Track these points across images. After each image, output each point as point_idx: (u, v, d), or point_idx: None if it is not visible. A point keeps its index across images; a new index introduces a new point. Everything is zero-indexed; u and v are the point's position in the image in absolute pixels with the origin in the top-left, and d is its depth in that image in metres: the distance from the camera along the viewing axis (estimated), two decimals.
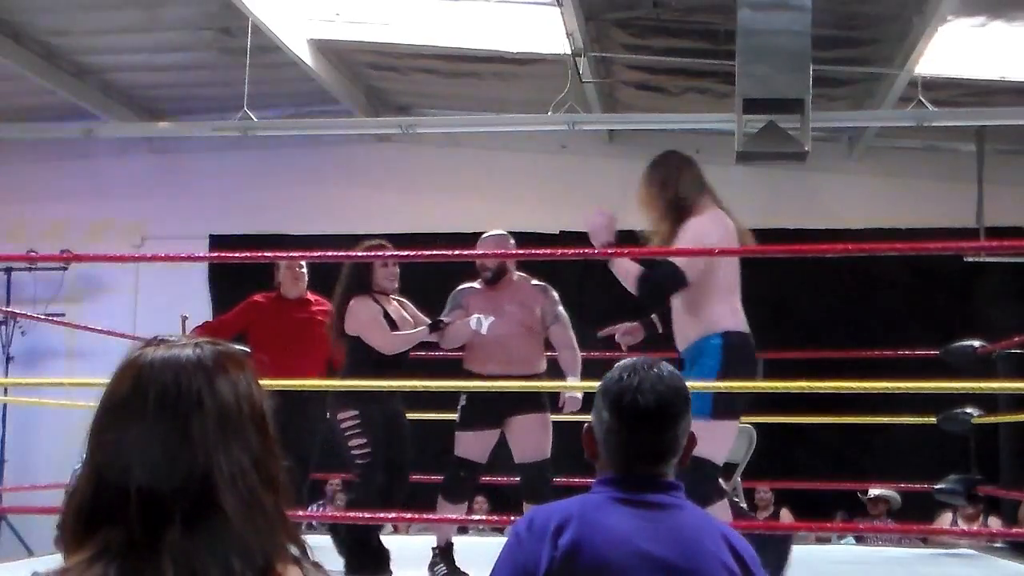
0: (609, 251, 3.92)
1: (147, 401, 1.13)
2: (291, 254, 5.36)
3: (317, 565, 1.19)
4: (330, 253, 5.17)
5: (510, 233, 4.84)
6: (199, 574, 1.08)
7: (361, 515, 4.46)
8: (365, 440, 4.59)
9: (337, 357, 5.57)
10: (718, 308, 3.78)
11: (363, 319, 4.71)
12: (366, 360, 4.68)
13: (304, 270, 5.63)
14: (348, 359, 4.80)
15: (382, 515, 4.50)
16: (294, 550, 1.16)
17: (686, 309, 3.82)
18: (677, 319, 3.87)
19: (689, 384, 2.06)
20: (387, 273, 4.83)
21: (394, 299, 4.90)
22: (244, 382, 1.18)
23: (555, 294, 4.82)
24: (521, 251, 4.53)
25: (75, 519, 1.12)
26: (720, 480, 3.81)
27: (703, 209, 3.88)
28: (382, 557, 4.59)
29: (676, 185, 3.91)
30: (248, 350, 5.05)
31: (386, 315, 4.79)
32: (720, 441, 3.69)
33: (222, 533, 1.09)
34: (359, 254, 4.83)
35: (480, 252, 4.72)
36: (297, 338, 5.42)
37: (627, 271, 3.86)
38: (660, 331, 4.03)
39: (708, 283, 3.77)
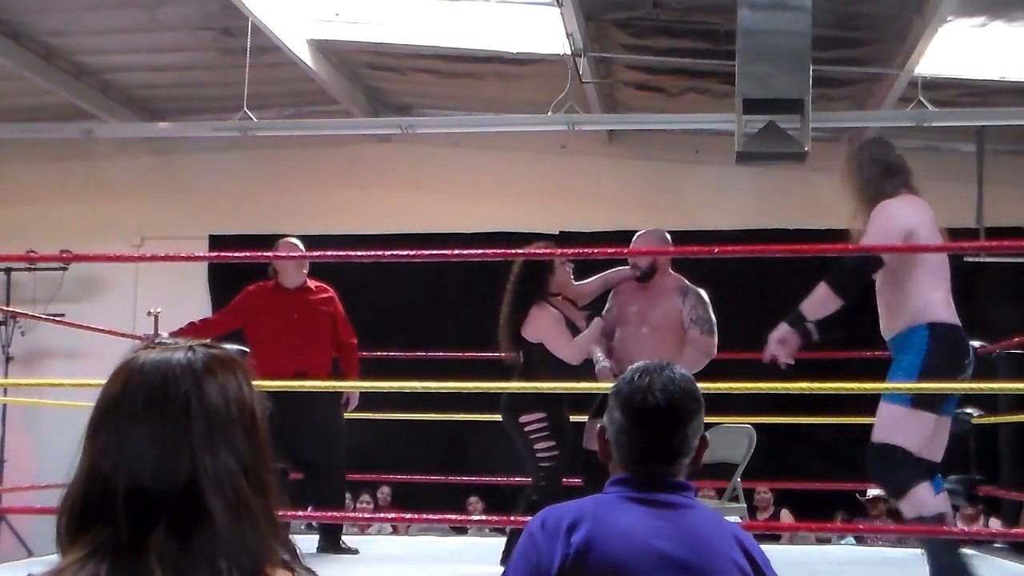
0: (609, 251, 3.92)
1: (136, 403, 1.14)
2: (291, 254, 5.33)
3: (309, 570, 1.19)
4: (330, 253, 5.16)
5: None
6: (186, 575, 1.08)
7: (363, 516, 4.45)
8: (553, 443, 4.50)
9: (345, 356, 5.50)
10: (926, 295, 3.69)
11: (549, 328, 4.60)
12: (543, 362, 4.58)
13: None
14: (525, 363, 4.66)
15: (381, 516, 4.50)
16: (284, 554, 1.17)
17: (891, 297, 3.74)
18: (881, 308, 3.79)
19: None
20: (566, 273, 4.71)
21: (563, 297, 4.80)
22: (234, 385, 1.18)
23: (698, 294, 4.77)
24: (521, 251, 4.52)
25: (68, 519, 1.13)
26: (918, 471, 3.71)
27: (896, 193, 3.84)
28: None
29: (866, 168, 3.90)
30: (246, 350, 5.03)
31: (568, 322, 4.67)
32: (914, 431, 3.65)
33: (209, 535, 1.10)
34: (362, 253, 4.81)
35: (479, 252, 4.71)
36: (300, 327, 5.27)
37: (819, 295, 3.81)
38: (816, 339, 3.88)
39: (912, 269, 3.70)
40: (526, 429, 4.51)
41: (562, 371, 4.56)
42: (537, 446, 4.50)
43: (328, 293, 5.48)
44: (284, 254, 5.33)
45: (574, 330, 4.66)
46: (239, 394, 1.18)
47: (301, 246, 5.44)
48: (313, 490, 5.32)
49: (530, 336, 4.61)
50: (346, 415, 5.43)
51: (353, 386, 5.38)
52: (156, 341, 1.21)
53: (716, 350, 4.76)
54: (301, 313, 5.32)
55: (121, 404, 1.14)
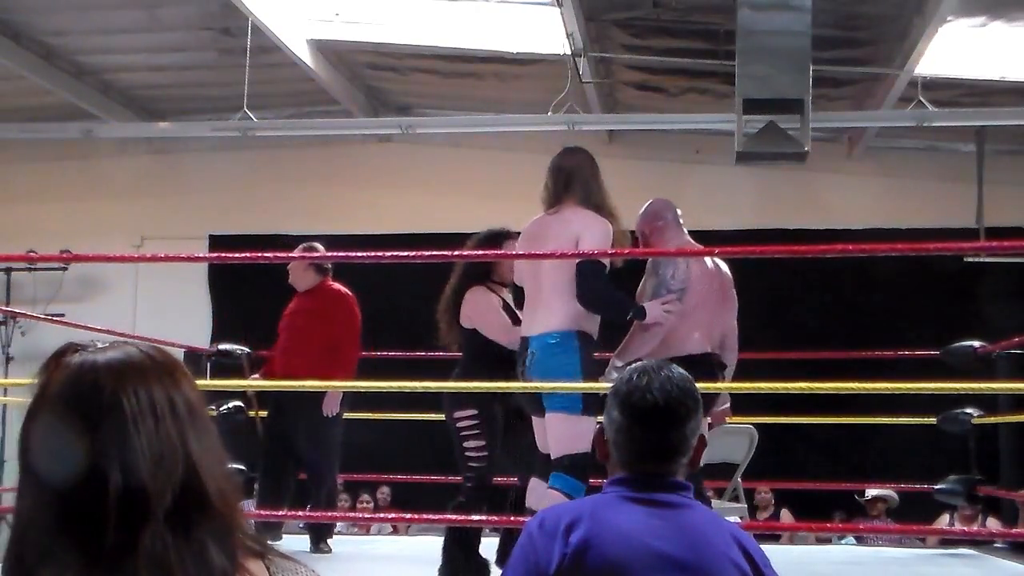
0: (610, 252, 3.91)
1: (59, 405, 1.12)
2: (291, 254, 5.32)
3: (284, 555, 1.18)
4: (331, 253, 5.16)
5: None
6: None
7: (362, 516, 4.44)
8: (483, 442, 4.24)
9: (347, 351, 5.45)
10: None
11: (481, 309, 4.40)
12: (483, 354, 4.33)
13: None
14: (465, 353, 4.47)
15: (381, 516, 4.49)
16: (254, 545, 1.15)
17: (555, 299, 4.03)
18: (542, 308, 4.04)
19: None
20: (509, 263, 4.47)
21: (508, 290, 4.59)
22: (171, 384, 1.15)
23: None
24: (520, 253, 4.51)
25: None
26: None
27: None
28: (483, 570, 4.23)
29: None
30: (248, 350, 5.02)
31: (506, 306, 4.46)
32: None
33: (192, 534, 1.08)
34: (362, 253, 4.81)
35: (480, 252, 4.69)
36: (292, 329, 5.39)
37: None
38: None
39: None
40: (458, 425, 4.30)
41: (505, 364, 4.18)
42: (467, 444, 4.27)
43: (335, 296, 5.44)
44: (286, 255, 5.34)
45: (514, 319, 4.39)
46: (182, 395, 1.15)
47: (319, 247, 5.46)
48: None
49: (465, 320, 4.43)
50: (346, 415, 5.42)
51: (355, 386, 5.37)
52: (74, 345, 1.18)
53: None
54: (294, 316, 5.44)
55: (43, 407, 1.12)
